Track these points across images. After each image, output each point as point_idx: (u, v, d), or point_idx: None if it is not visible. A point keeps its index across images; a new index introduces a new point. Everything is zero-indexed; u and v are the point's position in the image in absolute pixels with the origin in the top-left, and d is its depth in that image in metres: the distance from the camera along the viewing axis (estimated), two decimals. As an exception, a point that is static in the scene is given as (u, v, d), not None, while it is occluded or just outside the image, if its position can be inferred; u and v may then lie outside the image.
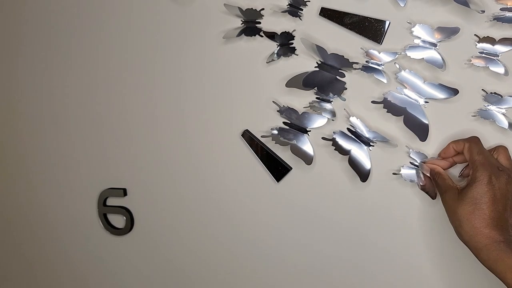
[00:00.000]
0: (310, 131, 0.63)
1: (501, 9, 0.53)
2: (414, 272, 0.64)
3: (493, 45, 0.54)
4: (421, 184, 0.58)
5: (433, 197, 0.59)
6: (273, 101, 0.64)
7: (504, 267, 0.47)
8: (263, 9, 0.62)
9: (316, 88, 0.62)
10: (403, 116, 0.58)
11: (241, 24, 0.64)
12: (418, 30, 0.56)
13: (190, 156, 0.72)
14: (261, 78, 0.65)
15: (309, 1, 0.61)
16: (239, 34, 0.63)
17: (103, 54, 0.73)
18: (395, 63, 0.58)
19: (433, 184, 0.58)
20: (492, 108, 0.56)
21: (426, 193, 0.59)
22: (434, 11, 0.56)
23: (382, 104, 0.59)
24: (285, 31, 0.62)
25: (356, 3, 0.59)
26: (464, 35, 0.55)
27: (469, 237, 0.50)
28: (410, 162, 0.60)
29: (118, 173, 0.77)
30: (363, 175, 0.61)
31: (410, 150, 0.59)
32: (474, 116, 0.57)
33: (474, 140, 0.54)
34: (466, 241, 0.51)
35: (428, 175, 0.57)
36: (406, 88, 0.58)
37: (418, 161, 0.59)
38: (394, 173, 0.61)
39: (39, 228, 0.84)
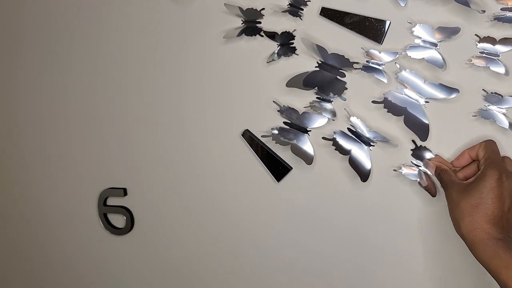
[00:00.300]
0: (310, 131, 0.63)
1: (501, 9, 0.53)
2: (414, 271, 0.64)
3: (494, 45, 0.54)
4: (423, 185, 0.58)
5: (434, 195, 0.59)
6: (273, 101, 0.64)
7: (499, 263, 0.46)
8: (263, 9, 0.62)
9: (316, 88, 0.62)
10: (403, 116, 0.58)
11: (242, 24, 0.64)
12: (418, 30, 0.56)
13: (190, 156, 0.72)
14: (261, 78, 0.65)
15: (310, 1, 0.61)
16: (240, 34, 0.63)
17: (103, 54, 0.73)
18: (395, 63, 0.58)
19: (433, 183, 0.58)
20: (493, 108, 0.55)
21: (427, 191, 0.59)
22: (435, 11, 0.56)
23: (383, 104, 0.59)
24: (286, 31, 0.62)
25: (357, 3, 0.59)
26: (464, 35, 0.55)
27: (468, 231, 0.49)
28: (412, 162, 0.60)
29: (118, 173, 0.77)
30: (363, 175, 0.61)
31: (413, 149, 0.59)
32: (474, 116, 0.57)
33: (491, 141, 0.55)
34: (464, 235, 0.50)
35: (432, 173, 0.57)
36: (406, 88, 0.58)
37: (422, 160, 0.59)
38: (394, 170, 0.61)
39: (39, 227, 0.84)
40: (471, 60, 0.55)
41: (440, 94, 0.57)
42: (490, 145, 0.54)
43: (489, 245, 0.48)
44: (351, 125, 0.61)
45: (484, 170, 0.51)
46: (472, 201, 0.50)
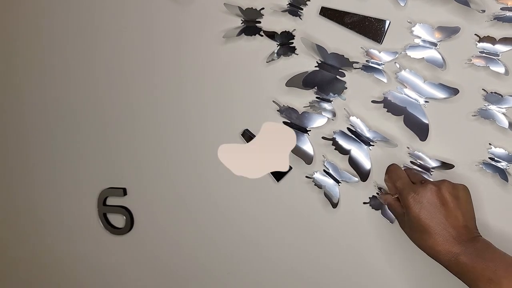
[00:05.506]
0: (310, 130, 0.63)
1: (501, 9, 0.53)
2: (414, 271, 0.64)
3: (494, 45, 0.54)
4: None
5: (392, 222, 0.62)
6: (273, 101, 0.64)
7: (471, 277, 0.47)
8: (263, 8, 0.62)
9: (316, 87, 0.62)
10: (403, 115, 0.58)
11: (241, 23, 0.64)
12: (418, 30, 0.56)
13: (190, 156, 0.72)
14: (261, 78, 0.65)
15: (309, 1, 0.61)
16: (239, 34, 0.63)
17: (103, 54, 0.73)
18: (395, 62, 0.58)
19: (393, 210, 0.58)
20: (493, 107, 0.55)
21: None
22: (435, 11, 0.56)
23: (382, 104, 0.59)
24: (285, 31, 0.62)
25: (357, 3, 0.59)
26: (464, 34, 0.55)
27: (435, 258, 0.51)
28: (411, 162, 0.60)
29: (118, 172, 0.77)
30: (363, 175, 0.61)
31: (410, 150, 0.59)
32: (474, 115, 0.57)
33: (390, 168, 0.58)
34: (437, 260, 0.51)
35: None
36: (406, 87, 0.58)
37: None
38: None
39: (39, 227, 0.84)
40: (471, 60, 0.55)
41: (439, 94, 0.57)
42: (392, 175, 0.57)
43: (454, 266, 0.48)
44: (350, 124, 0.61)
45: (403, 203, 0.53)
46: (415, 235, 0.52)
